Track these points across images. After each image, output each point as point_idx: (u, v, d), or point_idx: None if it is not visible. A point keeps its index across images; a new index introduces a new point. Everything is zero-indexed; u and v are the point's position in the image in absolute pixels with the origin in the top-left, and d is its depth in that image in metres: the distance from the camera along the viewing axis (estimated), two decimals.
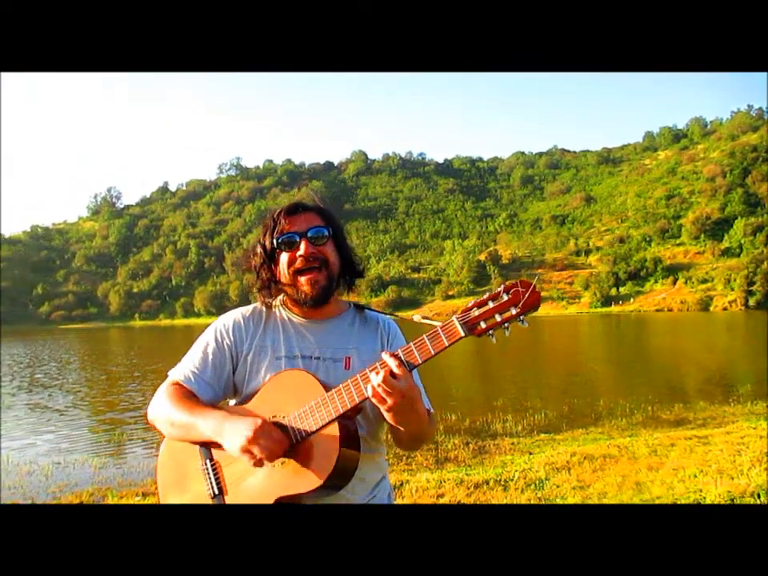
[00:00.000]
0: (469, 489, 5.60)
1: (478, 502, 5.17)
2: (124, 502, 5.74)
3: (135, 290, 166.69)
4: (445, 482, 5.89)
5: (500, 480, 5.85)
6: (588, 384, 15.06)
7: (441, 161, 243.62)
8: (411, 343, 1.44)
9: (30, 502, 6.38)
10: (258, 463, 1.45)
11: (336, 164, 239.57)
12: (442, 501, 5.26)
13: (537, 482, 5.71)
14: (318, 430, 1.47)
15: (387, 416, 1.44)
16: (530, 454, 7.48)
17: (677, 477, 5.53)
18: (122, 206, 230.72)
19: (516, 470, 6.20)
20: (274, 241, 1.66)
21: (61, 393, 16.19)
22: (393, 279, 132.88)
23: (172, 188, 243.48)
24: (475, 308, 1.39)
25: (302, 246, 1.63)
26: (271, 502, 1.47)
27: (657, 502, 4.77)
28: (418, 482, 5.85)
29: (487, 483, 5.76)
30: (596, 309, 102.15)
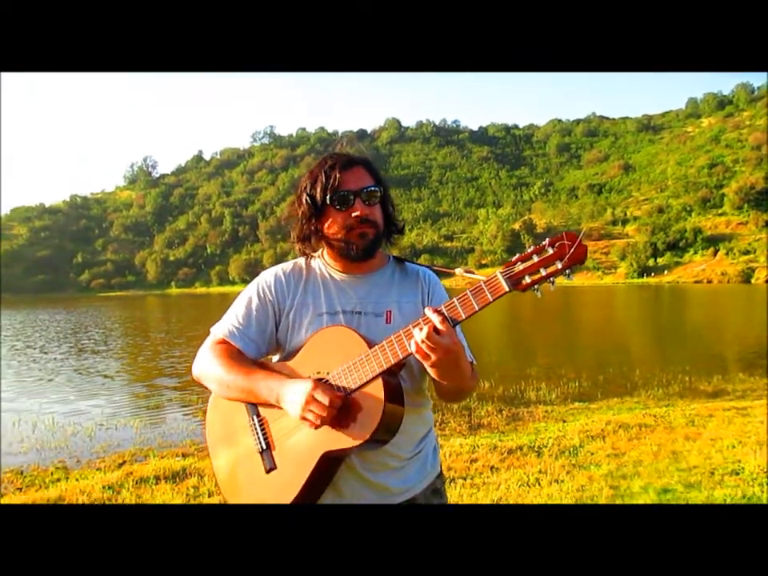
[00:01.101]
0: (502, 454, 5.62)
1: (511, 468, 5.19)
2: (165, 462, 5.90)
3: (171, 258, 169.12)
4: (478, 447, 5.92)
5: (534, 446, 5.85)
6: (623, 354, 14.89)
7: (475, 128, 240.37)
8: (455, 298, 1.42)
9: (75, 460, 6.61)
10: (318, 427, 1.47)
11: (369, 132, 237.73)
12: (475, 465, 5.29)
13: (571, 449, 5.70)
14: (362, 386, 1.47)
15: (431, 371, 1.44)
16: (564, 421, 7.46)
17: (714, 447, 5.47)
18: (157, 175, 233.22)
19: (550, 437, 6.20)
20: (327, 196, 1.61)
21: (105, 358, 16.63)
22: (426, 248, 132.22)
23: (206, 157, 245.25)
24: (519, 262, 1.36)
25: (358, 205, 1.60)
26: (318, 456, 1.49)
27: (694, 471, 4.72)
28: (452, 447, 5.88)
29: (521, 449, 5.78)
30: (632, 280, 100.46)
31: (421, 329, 1.37)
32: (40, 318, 38.91)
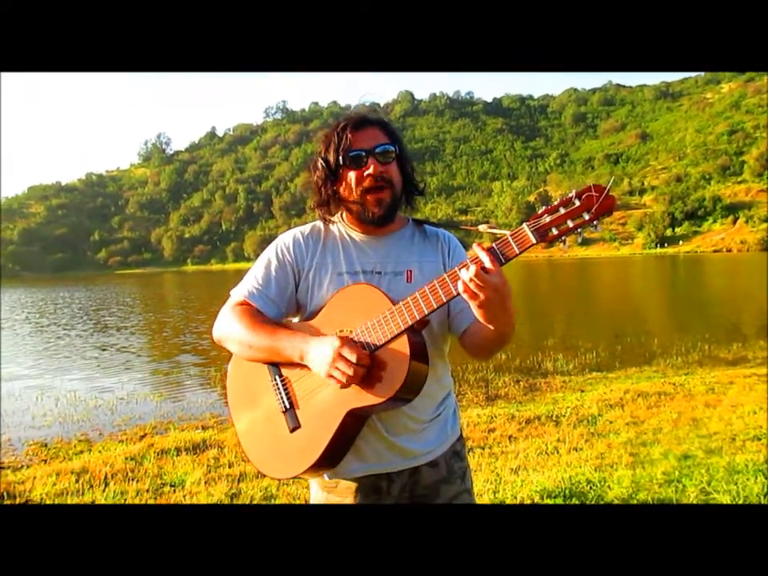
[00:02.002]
0: (520, 424, 5.63)
1: (529, 437, 5.19)
2: (185, 434, 5.97)
3: (187, 235, 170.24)
4: (496, 417, 5.93)
5: (552, 416, 5.85)
6: (641, 324, 14.77)
7: (489, 100, 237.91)
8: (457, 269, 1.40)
9: (98, 433, 6.71)
10: (345, 385, 1.45)
11: (382, 105, 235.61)
12: (493, 435, 5.30)
13: (589, 418, 5.69)
14: (387, 343, 1.46)
15: (477, 313, 1.39)
16: (582, 391, 7.44)
17: (735, 413, 5.43)
18: (171, 152, 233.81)
19: (568, 407, 6.19)
20: (340, 157, 1.60)
21: (126, 335, 16.81)
22: (440, 222, 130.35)
23: (219, 133, 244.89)
24: (546, 215, 1.33)
25: (371, 164, 1.58)
26: (343, 414, 1.48)
27: (714, 437, 4.69)
28: (469, 417, 5.90)
29: (539, 419, 5.78)
30: (650, 250, 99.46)
31: (468, 268, 1.34)
32: (61, 296, 39.44)
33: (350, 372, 1.41)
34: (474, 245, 1.39)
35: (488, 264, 1.33)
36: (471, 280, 1.33)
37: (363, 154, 1.58)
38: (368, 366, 1.46)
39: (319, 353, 1.47)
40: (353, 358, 1.42)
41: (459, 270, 1.37)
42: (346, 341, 1.45)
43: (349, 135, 1.59)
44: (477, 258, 1.35)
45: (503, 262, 1.35)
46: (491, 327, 1.43)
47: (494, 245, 1.36)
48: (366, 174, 1.58)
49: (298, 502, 3.86)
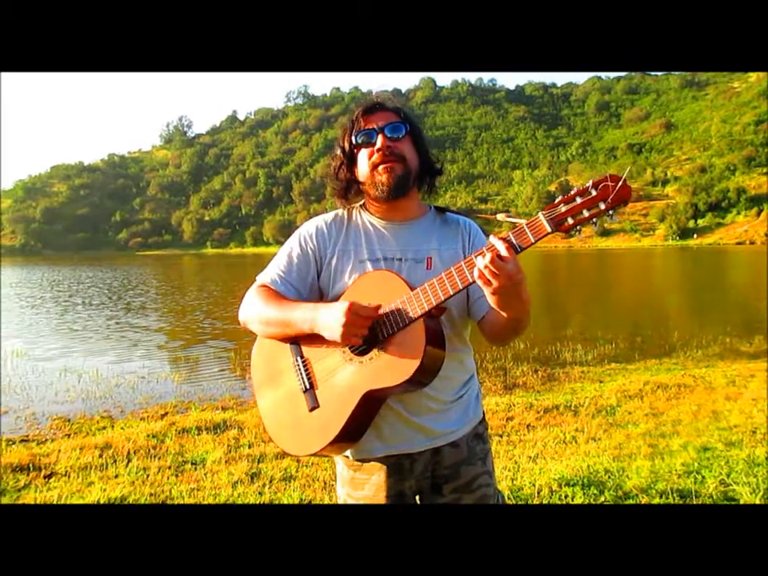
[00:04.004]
0: (538, 413, 5.63)
1: (548, 426, 5.19)
2: (205, 414, 6.05)
3: (207, 218, 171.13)
4: (514, 405, 5.93)
5: (570, 405, 5.84)
6: (661, 316, 14.64)
7: (512, 87, 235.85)
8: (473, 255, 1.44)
9: (119, 410, 6.82)
10: (357, 341, 1.50)
11: (404, 91, 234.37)
12: (511, 423, 5.31)
13: (608, 409, 5.68)
14: (403, 327, 1.49)
15: (492, 300, 1.43)
16: (601, 382, 7.41)
17: (756, 407, 5.38)
18: (192, 135, 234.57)
19: (586, 397, 6.17)
20: (353, 138, 1.66)
21: (149, 315, 17.02)
22: (459, 210, 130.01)
23: (240, 117, 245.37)
24: (562, 204, 1.35)
25: (379, 139, 1.63)
26: (361, 395, 1.51)
27: (735, 430, 4.67)
28: (488, 405, 5.90)
29: (557, 408, 5.77)
30: (671, 242, 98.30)
31: (484, 256, 1.37)
32: (85, 275, 39.95)
33: (364, 329, 1.47)
34: (491, 235, 1.41)
35: (503, 252, 1.35)
36: (486, 267, 1.35)
37: (373, 132, 1.65)
38: (383, 348, 1.51)
39: (328, 318, 1.50)
40: (363, 312, 1.47)
41: (475, 257, 1.40)
42: (353, 302, 1.49)
43: (360, 119, 1.66)
44: (492, 246, 1.38)
45: (518, 251, 1.37)
46: (504, 314, 1.47)
47: (509, 233, 1.39)
48: (375, 149, 1.63)
49: (316, 483, 3.90)
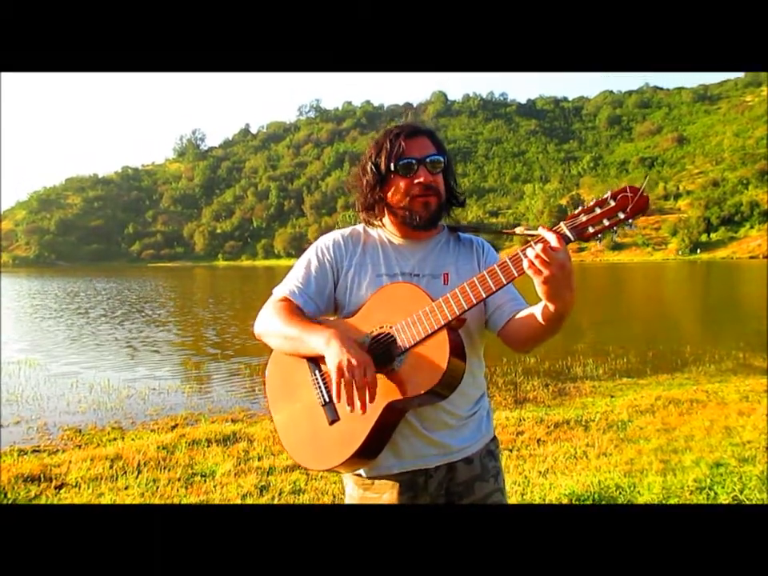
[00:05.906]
0: (549, 428, 5.59)
1: (558, 441, 5.16)
2: (215, 426, 6.06)
3: (219, 230, 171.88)
4: (524, 420, 5.90)
5: (581, 420, 5.80)
6: (673, 331, 14.55)
7: (523, 101, 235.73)
8: (518, 251, 1.45)
9: (130, 421, 6.85)
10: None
11: (415, 105, 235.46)
12: (521, 438, 5.28)
13: (619, 424, 5.64)
14: (427, 338, 1.50)
15: (541, 290, 1.41)
16: (612, 396, 7.35)
17: None
18: (205, 148, 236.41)
19: (597, 412, 6.13)
20: (391, 163, 1.65)
21: (160, 327, 17.11)
22: (470, 224, 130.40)
23: (253, 130, 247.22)
24: (582, 214, 1.38)
25: (422, 173, 1.64)
26: (383, 406, 1.51)
27: (748, 446, 4.62)
28: (498, 420, 5.87)
29: (567, 423, 5.74)
30: (684, 256, 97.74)
31: (533, 247, 1.38)
32: (98, 287, 40.25)
33: (353, 379, 1.45)
34: (540, 227, 1.43)
35: (554, 243, 1.36)
36: (537, 256, 1.36)
37: (414, 162, 1.64)
38: (405, 360, 1.52)
39: (332, 353, 1.50)
40: (357, 370, 1.45)
41: (523, 250, 1.42)
42: (363, 362, 1.47)
43: (402, 143, 1.65)
44: (542, 237, 1.39)
45: (570, 240, 1.39)
46: (551, 307, 1.45)
47: (562, 224, 1.41)
48: (416, 181, 1.64)
49: (325, 497, 3.89)
